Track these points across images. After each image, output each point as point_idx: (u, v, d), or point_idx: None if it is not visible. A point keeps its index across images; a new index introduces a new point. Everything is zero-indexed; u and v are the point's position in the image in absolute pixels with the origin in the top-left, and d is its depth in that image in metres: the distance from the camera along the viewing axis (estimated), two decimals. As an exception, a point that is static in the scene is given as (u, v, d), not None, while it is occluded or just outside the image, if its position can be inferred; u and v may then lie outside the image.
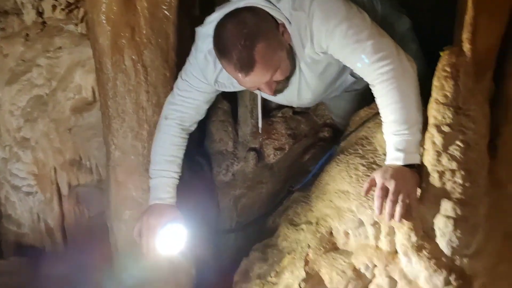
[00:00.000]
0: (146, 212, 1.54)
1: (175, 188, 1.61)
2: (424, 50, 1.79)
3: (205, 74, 1.54)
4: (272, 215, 1.76)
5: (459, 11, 1.30)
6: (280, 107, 2.03)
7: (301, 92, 1.61)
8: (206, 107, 1.68)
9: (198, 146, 1.98)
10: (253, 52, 1.33)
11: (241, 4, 1.41)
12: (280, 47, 1.41)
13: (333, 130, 2.04)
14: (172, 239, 1.48)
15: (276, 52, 1.39)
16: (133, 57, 1.53)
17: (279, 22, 1.41)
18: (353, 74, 1.69)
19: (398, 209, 1.32)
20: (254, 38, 1.34)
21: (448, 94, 1.27)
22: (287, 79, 1.50)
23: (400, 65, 1.34)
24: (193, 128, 1.70)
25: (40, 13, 2.48)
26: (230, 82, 1.54)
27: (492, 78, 1.34)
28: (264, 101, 1.98)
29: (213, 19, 1.45)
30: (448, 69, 1.26)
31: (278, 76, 1.43)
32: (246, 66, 1.34)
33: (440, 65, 1.28)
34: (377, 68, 1.35)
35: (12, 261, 2.67)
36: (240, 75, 1.36)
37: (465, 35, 1.25)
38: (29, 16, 2.48)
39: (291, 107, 2.05)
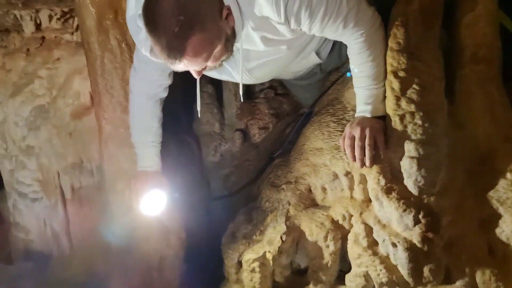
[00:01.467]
0: (134, 178, 1.65)
1: (158, 155, 1.70)
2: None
3: (139, 43, 1.41)
4: (256, 183, 1.85)
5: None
6: (263, 88, 2.14)
7: (249, 66, 1.53)
8: (166, 75, 1.60)
9: (187, 128, 2.09)
10: (185, 44, 1.18)
11: None
12: (218, 36, 1.27)
13: (312, 106, 2.15)
14: (154, 202, 1.59)
15: (212, 43, 1.25)
16: (118, 36, 1.66)
17: (225, 3, 1.28)
18: (318, 54, 1.66)
19: (367, 153, 1.42)
20: (190, 28, 1.18)
21: (401, 41, 1.38)
22: (220, 64, 1.40)
23: (373, 27, 1.42)
24: (163, 94, 1.66)
25: (38, 25, 2.66)
26: None
27: (440, 26, 1.44)
28: (248, 86, 2.10)
29: None
30: (399, 17, 1.38)
31: (210, 64, 1.33)
32: (174, 55, 1.20)
33: (392, 15, 1.40)
34: (353, 32, 1.40)
35: (20, 266, 2.74)
36: (166, 60, 1.24)
37: (412, -16, 1.37)
38: (28, 28, 2.66)
39: (273, 89, 2.15)
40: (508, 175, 1.38)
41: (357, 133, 1.44)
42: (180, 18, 1.16)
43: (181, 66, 1.25)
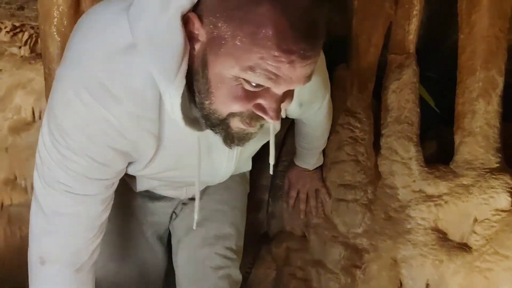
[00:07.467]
0: None
1: None
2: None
3: (144, 103, 0.92)
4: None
5: (348, 38, 1.67)
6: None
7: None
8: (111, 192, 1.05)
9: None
10: (320, 26, 0.80)
11: None
12: None
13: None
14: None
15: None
16: (78, 65, 1.73)
17: None
18: None
19: (312, 203, 1.63)
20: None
21: (339, 99, 1.60)
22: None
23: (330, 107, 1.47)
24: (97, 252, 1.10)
25: (-16, 35, 2.62)
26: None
27: (372, 90, 1.69)
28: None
29: None
30: (338, 79, 1.61)
31: (290, 99, 0.88)
32: (315, 38, 0.79)
33: (333, 76, 1.63)
34: (323, 111, 1.42)
35: None
36: (299, 43, 0.76)
37: (351, 55, 1.61)
38: (-26, 37, 2.60)
39: None
40: (420, 220, 1.61)
41: (301, 186, 1.64)
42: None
43: (302, 70, 0.79)
